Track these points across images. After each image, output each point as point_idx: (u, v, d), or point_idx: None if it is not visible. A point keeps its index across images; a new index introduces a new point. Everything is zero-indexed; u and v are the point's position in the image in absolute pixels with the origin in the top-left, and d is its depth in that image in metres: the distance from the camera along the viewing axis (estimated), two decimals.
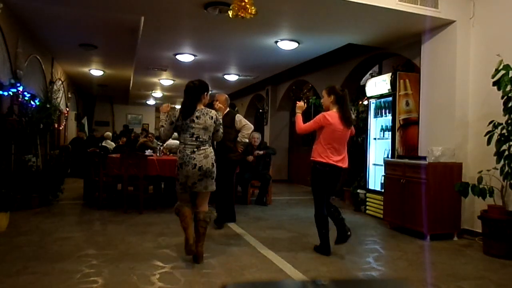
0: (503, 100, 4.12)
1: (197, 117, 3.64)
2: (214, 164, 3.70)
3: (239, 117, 5.29)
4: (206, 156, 3.63)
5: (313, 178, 4.00)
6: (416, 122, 5.75)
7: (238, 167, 6.78)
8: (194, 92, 3.70)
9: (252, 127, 5.39)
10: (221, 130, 3.83)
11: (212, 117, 3.71)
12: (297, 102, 4.27)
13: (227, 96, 5.33)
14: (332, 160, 3.88)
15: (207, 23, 5.65)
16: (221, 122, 3.84)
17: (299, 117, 4.12)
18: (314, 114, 9.62)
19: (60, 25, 6.67)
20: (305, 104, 4.25)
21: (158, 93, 14.17)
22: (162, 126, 3.83)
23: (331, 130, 3.87)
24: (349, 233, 3.95)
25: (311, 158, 3.98)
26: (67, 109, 10.96)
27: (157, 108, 19.22)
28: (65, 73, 10.74)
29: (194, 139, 3.63)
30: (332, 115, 3.89)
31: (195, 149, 3.62)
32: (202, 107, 3.73)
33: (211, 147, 3.73)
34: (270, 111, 11.52)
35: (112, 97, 16.82)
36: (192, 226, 3.64)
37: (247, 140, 5.44)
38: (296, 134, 11.47)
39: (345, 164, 3.97)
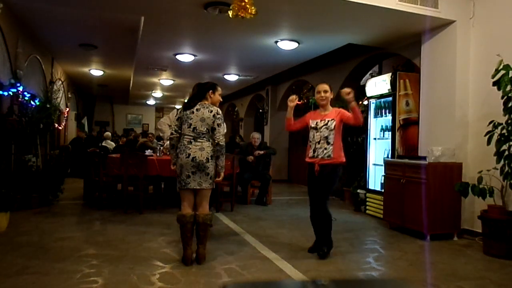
0: (503, 100, 4.12)
1: (197, 109, 3.65)
2: (210, 160, 3.61)
3: None
4: (201, 149, 3.59)
5: (338, 180, 4.03)
6: (416, 122, 5.74)
7: (239, 167, 6.80)
8: (199, 89, 3.78)
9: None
10: (222, 129, 3.68)
11: (211, 111, 3.65)
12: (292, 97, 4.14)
13: None
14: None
15: (207, 23, 5.65)
16: (222, 118, 3.73)
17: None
18: None
19: (60, 25, 6.67)
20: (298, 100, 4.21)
21: (158, 93, 14.17)
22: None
23: None
24: (322, 252, 3.88)
25: (339, 160, 3.87)
26: (67, 109, 10.96)
27: (157, 108, 19.25)
28: (65, 73, 10.75)
29: (191, 130, 3.62)
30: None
31: (192, 140, 3.61)
32: (206, 103, 3.72)
33: (209, 142, 3.65)
34: (270, 111, 11.52)
35: (112, 97, 16.84)
36: (192, 239, 3.64)
37: None
38: (296, 134, 11.53)
39: None
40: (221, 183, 5.84)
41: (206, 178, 3.61)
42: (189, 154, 3.57)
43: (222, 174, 3.77)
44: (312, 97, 9.10)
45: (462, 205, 4.85)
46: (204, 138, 3.64)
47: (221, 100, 3.98)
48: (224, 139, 3.69)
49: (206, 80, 10.93)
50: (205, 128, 3.63)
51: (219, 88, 3.86)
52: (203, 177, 3.60)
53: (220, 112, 3.74)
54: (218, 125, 3.65)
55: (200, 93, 3.76)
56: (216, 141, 3.65)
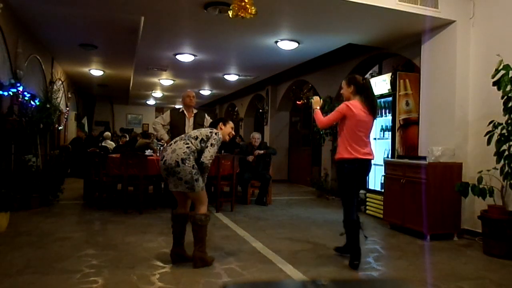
0: (503, 100, 4.12)
1: (203, 128, 3.92)
2: (180, 164, 3.39)
3: (207, 116, 5.57)
4: (173, 151, 3.46)
5: (343, 179, 3.74)
6: (416, 122, 5.74)
7: (238, 167, 6.80)
8: (212, 122, 4.09)
9: None
10: (213, 150, 3.53)
11: (212, 130, 3.67)
12: (314, 97, 4.09)
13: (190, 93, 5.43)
14: (360, 154, 3.64)
15: (207, 23, 5.65)
16: (219, 141, 3.60)
17: (317, 113, 3.89)
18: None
19: (60, 25, 6.67)
20: (321, 100, 4.10)
21: (158, 93, 14.17)
22: None
23: (356, 121, 3.64)
24: (356, 262, 3.61)
25: (338, 157, 3.74)
26: (67, 109, 10.96)
27: (157, 108, 19.26)
28: (65, 73, 10.74)
29: (184, 133, 3.73)
30: (355, 105, 3.66)
31: (172, 143, 3.60)
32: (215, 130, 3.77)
33: (185, 146, 3.47)
34: (270, 111, 11.52)
35: (112, 97, 16.83)
36: (180, 232, 3.63)
37: None
38: (296, 134, 11.53)
39: (372, 156, 3.77)
40: (221, 183, 5.85)
41: (180, 182, 3.44)
42: (163, 157, 3.52)
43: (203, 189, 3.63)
44: (312, 97, 9.10)
45: (462, 205, 4.85)
46: (182, 141, 3.54)
47: (233, 134, 4.01)
48: (210, 160, 3.52)
49: (206, 79, 10.99)
50: (195, 135, 3.59)
51: (231, 123, 3.95)
52: (176, 181, 3.45)
53: (220, 137, 3.63)
54: (212, 144, 3.53)
55: (212, 125, 3.94)
56: (202, 159, 3.49)
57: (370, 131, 3.82)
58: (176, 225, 3.65)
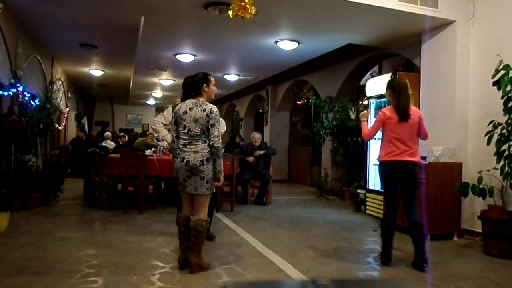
0: (503, 100, 4.12)
1: (190, 109, 3.40)
2: (205, 163, 3.35)
3: None
4: (195, 152, 3.34)
5: (380, 179, 3.93)
6: None
7: (238, 167, 6.80)
8: (191, 85, 3.52)
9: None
10: (217, 130, 3.39)
11: (204, 110, 3.36)
12: (362, 112, 4.22)
13: None
14: (396, 157, 3.69)
15: (207, 23, 5.65)
16: (217, 117, 3.41)
17: (364, 125, 4.00)
18: (314, 114, 9.64)
19: (60, 25, 6.67)
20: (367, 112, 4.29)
21: (158, 93, 14.18)
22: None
23: (392, 124, 3.71)
24: (425, 265, 3.58)
25: (377, 159, 3.92)
26: (67, 109, 10.96)
27: (157, 108, 19.26)
28: (65, 73, 10.75)
29: (186, 131, 3.41)
30: (389, 109, 3.77)
31: (186, 143, 3.40)
32: (201, 99, 3.47)
33: (204, 144, 3.38)
34: (270, 111, 11.52)
35: (112, 97, 16.85)
36: (186, 243, 3.48)
37: None
38: (296, 134, 11.54)
39: (412, 157, 3.71)
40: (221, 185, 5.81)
41: (202, 182, 3.36)
42: (183, 158, 3.37)
43: (222, 178, 3.48)
44: (313, 97, 9.09)
45: (462, 205, 4.85)
46: (199, 140, 3.37)
47: (216, 89, 3.66)
48: (219, 140, 3.41)
49: None
50: (199, 129, 3.37)
51: (212, 79, 3.57)
52: (198, 182, 3.35)
53: (215, 110, 3.42)
54: (212, 125, 3.37)
55: (193, 89, 3.50)
56: (210, 143, 3.38)
57: (411, 134, 3.74)
58: (182, 228, 3.50)
